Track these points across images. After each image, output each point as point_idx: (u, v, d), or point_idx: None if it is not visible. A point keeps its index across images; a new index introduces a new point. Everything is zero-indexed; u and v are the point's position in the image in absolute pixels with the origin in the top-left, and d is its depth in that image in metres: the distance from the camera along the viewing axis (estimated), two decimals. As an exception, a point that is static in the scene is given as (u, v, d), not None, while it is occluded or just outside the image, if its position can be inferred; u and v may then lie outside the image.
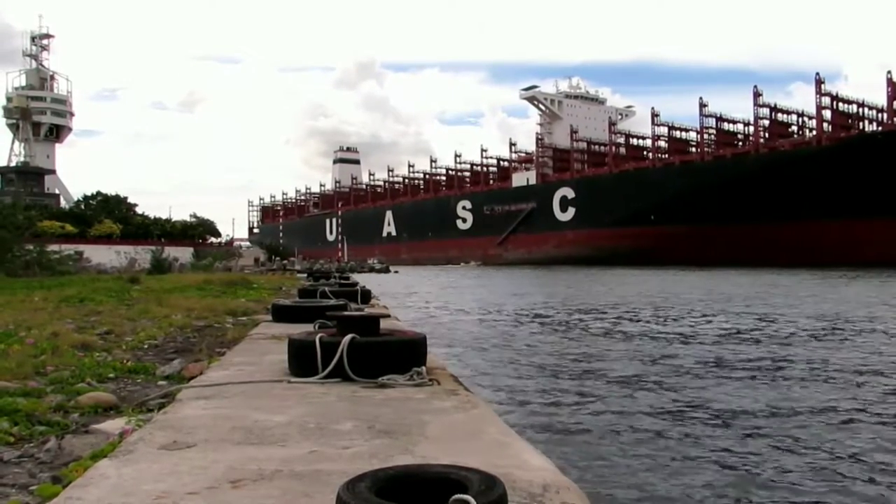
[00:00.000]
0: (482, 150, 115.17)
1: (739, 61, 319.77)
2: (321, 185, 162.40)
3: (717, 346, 12.49)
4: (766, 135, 75.98)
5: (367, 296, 9.13)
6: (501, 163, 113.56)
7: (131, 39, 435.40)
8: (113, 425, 3.09)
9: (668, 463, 5.57)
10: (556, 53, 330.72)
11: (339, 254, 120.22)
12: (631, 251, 75.85)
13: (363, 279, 20.93)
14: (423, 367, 3.45)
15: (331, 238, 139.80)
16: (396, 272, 75.54)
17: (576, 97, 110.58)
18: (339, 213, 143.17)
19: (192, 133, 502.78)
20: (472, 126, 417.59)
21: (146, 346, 6.10)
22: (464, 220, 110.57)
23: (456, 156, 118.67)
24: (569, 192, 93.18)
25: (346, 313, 4.47)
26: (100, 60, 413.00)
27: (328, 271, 27.24)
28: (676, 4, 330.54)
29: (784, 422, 6.83)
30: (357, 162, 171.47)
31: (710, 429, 6.63)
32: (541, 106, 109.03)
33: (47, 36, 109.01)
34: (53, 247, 33.33)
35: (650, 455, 5.79)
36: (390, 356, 3.40)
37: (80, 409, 3.46)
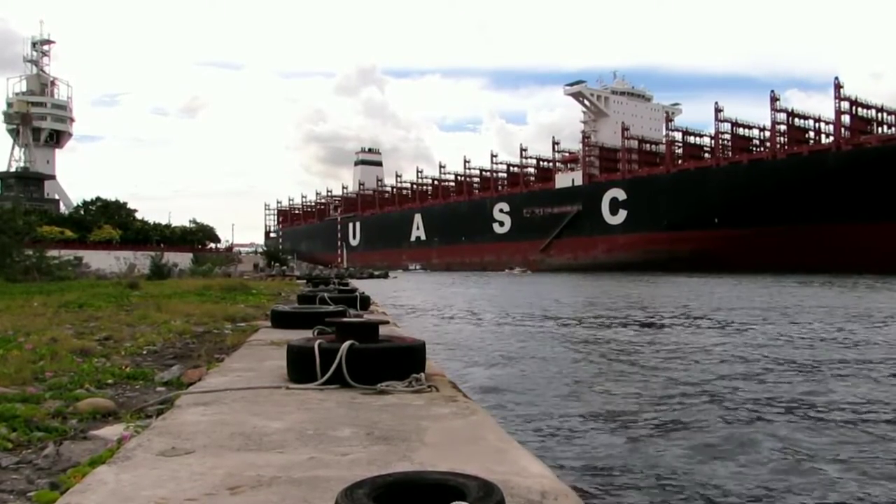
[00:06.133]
0: (521, 150, 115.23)
1: (734, 67, 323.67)
2: (344, 188, 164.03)
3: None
4: (848, 132, 74.66)
5: (366, 302, 9.40)
6: (542, 163, 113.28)
7: (133, 45, 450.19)
8: (111, 431, 3.29)
9: (673, 475, 5.66)
10: (557, 59, 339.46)
11: (339, 259, 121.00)
12: (691, 256, 74.85)
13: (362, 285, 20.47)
14: (422, 374, 3.65)
15: (354, 242, 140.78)
16: (395, 277, 75.45)
17: (622, 93, 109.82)
18: (339, 217, 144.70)
19: (193, 139, 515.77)
20: (471, 133, 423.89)
21: (145, 352, 6.42)
22: (501, 224, 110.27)
23: (492, 156, 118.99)
24: (620, 194, 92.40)
25: (344, 319, 4.69)
26: (101, 66, 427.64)
27: (327, 277, 27.73)
28: (676, 11, 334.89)
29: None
30: (379, 164, 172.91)
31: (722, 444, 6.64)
32: (586, 102, 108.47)
33: (48, 42, 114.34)
34: (53, 252, 34.57)
35: (653, 464, 5.91)
36: (389, 362, 3.60)
37: (78, 415, 3.68)
